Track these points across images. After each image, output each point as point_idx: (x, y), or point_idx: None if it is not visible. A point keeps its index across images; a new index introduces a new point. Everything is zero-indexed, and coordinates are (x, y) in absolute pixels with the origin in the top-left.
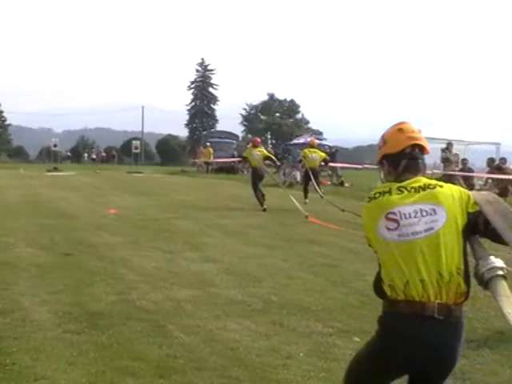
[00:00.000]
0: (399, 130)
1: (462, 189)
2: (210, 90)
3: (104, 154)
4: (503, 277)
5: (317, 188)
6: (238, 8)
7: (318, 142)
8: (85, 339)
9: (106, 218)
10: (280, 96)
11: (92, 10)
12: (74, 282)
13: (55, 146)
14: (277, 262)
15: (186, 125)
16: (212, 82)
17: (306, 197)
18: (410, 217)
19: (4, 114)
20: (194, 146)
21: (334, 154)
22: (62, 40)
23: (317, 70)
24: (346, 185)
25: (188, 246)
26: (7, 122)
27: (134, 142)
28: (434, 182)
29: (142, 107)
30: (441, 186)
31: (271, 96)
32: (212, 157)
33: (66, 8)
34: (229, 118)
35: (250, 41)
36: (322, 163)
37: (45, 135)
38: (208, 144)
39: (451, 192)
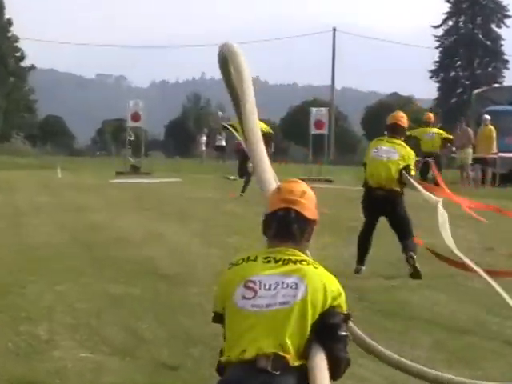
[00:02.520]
0: (277, 189)
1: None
2: None
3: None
4: None
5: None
6: None
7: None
8: None
9: None
10: None
11: None
12: None
13: (135, 117)
14: None
15: (434, 73)
16: None
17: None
18: (270, 288)
19: (19, 45)
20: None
21: None
22: None
23: None
24: None
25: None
26: (28, 63)
27: (314, 110)
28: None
29: (334, 30)
30: (309, 264)
31: None
32: (494, 145)
33: None
34: None
35: None
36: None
37: (110, 93)
38: (486, 119)
39: (321, 277)
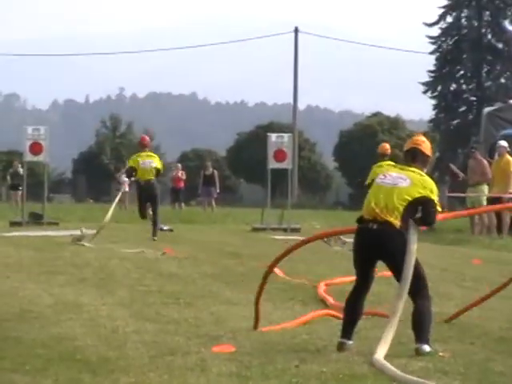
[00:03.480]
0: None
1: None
2: None
3: (180, 173)
4: None
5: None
6: None
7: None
8: None
9: None
10: None
11: None
12: None
13: (35, 148)
14: None
15: (428, 86)
16: None
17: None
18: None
19: None
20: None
21: None
22: None
23: None
24: None
25: None
26: None
27: (273, 136)
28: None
29: (295, 31)
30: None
31: None
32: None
33: None
34: None
35: None
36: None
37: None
38: (502, 146)
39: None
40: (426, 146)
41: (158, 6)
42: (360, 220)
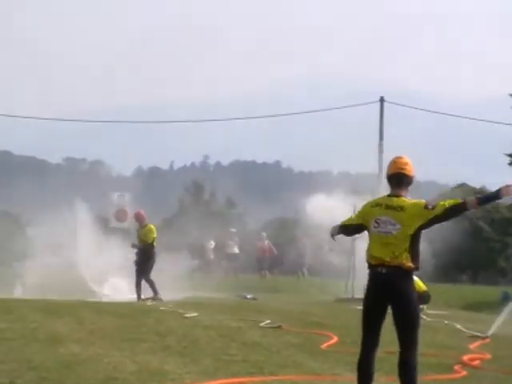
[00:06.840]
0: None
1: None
2: None
3: (266, 243)
4: None
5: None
6: None
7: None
8: None
9: None
10: None
11: None
12: None
13: (120, 214)
14: None
15: None
16: None
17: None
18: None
19: None
20: None
21: None
22: None
23: None
24: None
25: None
26: None
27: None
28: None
29: (381, 99)
30: None
31: None
32: None
33: None
34: None
35: None
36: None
37: (83, 183)
38: None
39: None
40: (409, 168)
41: (241, 75)
42: (369, 266)
